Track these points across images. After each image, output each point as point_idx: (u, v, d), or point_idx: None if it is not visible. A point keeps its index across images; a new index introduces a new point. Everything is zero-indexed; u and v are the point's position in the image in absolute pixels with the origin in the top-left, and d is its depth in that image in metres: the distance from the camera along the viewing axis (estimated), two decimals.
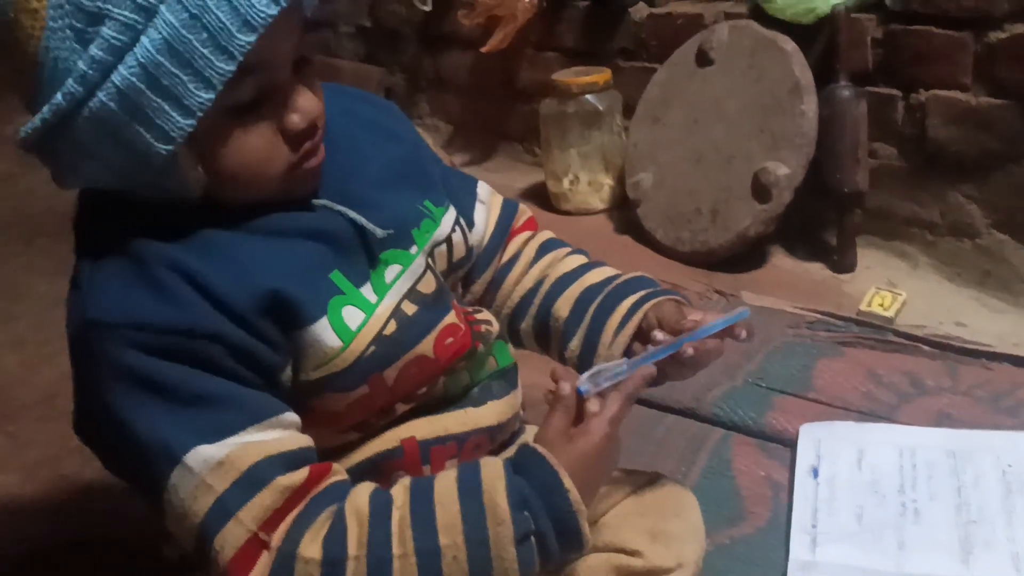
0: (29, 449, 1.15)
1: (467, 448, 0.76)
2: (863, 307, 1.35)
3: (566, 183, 1.80)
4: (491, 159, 2.11)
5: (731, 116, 1.55)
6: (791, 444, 1.06)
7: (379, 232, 0.70)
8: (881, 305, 1.34)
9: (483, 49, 1.88)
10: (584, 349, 0.81)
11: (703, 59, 1.61)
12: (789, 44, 1.50)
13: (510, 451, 0.76)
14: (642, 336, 0.79)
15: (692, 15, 1.69)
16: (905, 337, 1.27)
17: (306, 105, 0.66)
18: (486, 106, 2.12)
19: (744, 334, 0.75)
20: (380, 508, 0.64)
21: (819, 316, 1.34)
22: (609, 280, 0.84)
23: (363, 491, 0.66)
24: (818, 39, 1.49)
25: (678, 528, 0.80)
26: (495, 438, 0.79)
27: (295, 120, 0.65)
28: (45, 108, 0.59)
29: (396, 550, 0.63)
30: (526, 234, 0.90)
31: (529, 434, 0.81)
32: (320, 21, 2.35)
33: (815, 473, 1.01)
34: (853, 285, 1.46)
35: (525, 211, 0.92)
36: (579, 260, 0.87)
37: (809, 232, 1.58)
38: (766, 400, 1.15)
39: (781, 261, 1.56)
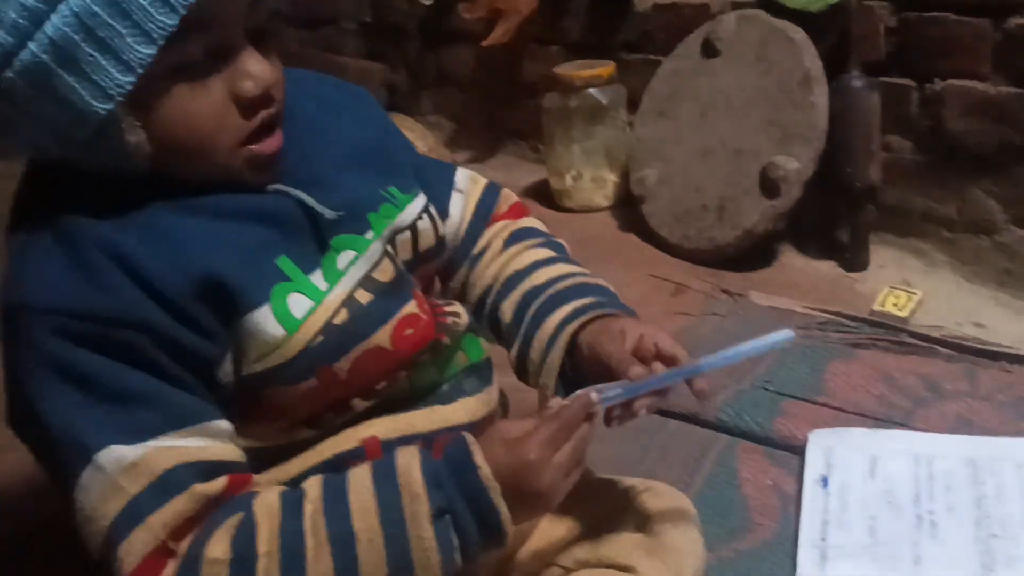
0: (6, 454, 1.11)
1: (436, 448, 0.71)
2: (876, 307, 1.30)
3: (569, 180, 1.76)
4: (494, 156, 2.09)
5: (739, 109, 1.51)
6: (800, 452, 1.02)
7: (329, 214, 0.66)
8: (895, 305, 1.30)
9: (484, 43, 1.85)
10: (518, 361, 0.78)
11: (710, 50, 1.57)
12: (799, 34, 1.46)
13: None
14: (577, 356, 0.74)
15: (698, 5, 1.64)
16: (921, 338, 1.22)
17: (259, 70, 0.62)
18: (489, 102, 2.09)
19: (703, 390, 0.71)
20: (291, 503, 0.61)
21: (830, 316, 1.29)
22: (551, 282, 0.79)
23: (274, 490, 0.63)
24: (829, 28, 1.45)
25: (675, 541, 0.76)
26: None
27: (248, 86, 0.62)
28: None
29: (309, 541, 0.59)
30: (503, 223, 0.85)
31: None
32: (324, 18, 2.34)
33: (825, 483, 0.96)
34: (866, 284, 1.42)
35: (509, 196, 0.87)
36: (536, 255, 0.82)
37: (820, 229, 1.53)
38: (774, 405, 1.10)
39: (791, 259, 1.52)
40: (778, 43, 1.47)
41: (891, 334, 1.24)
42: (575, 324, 0.74)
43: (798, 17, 1.46)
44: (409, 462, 0.62)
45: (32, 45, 0.55)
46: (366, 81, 2.18)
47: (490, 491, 0.61)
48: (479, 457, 0.62)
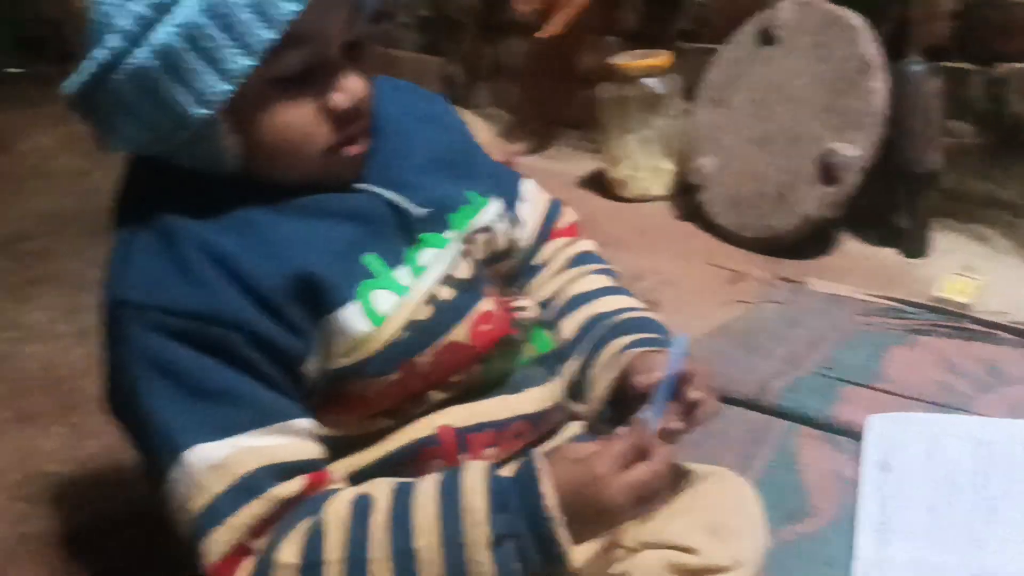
0: (89, 440, 1.16)
1: (507, 435, 0.74)
2: (938, 293, 1.29)
3: (625, 169, 1.76)
4: (550, 147, 2.10)
5: (797, 96, 1.51)
6: (859, 437, 1.02)
7: (417, 211, 0.69)
8: (957, 291, 1.29)
9: (539, 34, 1.86)
10: (573, 379, 0.80)
11: (767, 38, 1.57)
12: (857, 19, 1.45)
13: (551, 444, 0.73)
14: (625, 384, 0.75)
15: None
16: (984, 324, 1.21)
17: (352, 86, 0.65)
18: (545, 93, 2.10)
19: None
20: (360, 511, 0.63)
21: (890, 303, 1.29)
22: (619, 311, 0.81)
23: (345, 495, 0.64)
24: (888, 14, 1.44)
25: (737, 524, 0.76)
26: (537, 426, 0.77)
27: (339, 99, 0.65)
28: (87, 62, 0.60)
29: (373, 553, 0.61)
30: (563, 240, 0.88)
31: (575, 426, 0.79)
32: (382, 11, 2.36)
33: (884, 466, 0.97)
34: (926, 270, 1.41)
35: (569, 214, 0.90)
36: (601, 281, 0.84)
37: (879, 215, 1.52)
38: (833, 391, 1.11)
39: (850, 246, 1.51)
40: (836, 29, 1.46)
41: (953, 320, 1.23)
42: (640, 349, 0.76)
43: (857, 3, 1.46)
44: (475, 484, 0.62)
45: (140, 51, 0.59)
46: (423, 75, 2.21)
47: (553, 522, 0.61)
48: (545, 485, 0.61)
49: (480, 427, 0.72)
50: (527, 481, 0.62)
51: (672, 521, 0.76)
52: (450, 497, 0.62)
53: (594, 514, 0.62)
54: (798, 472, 1.00)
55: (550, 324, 0.82)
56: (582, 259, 0.87)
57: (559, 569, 0.63)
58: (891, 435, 1.00)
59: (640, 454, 0.63)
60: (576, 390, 0.80)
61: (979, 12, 1.38)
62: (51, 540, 1.02)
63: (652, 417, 0.67)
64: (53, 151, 2.30)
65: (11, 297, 1.62)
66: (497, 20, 2.13)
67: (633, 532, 0.78)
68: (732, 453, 1.03)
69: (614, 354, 0.77)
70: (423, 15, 2.32)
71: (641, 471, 0.63)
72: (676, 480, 0.72)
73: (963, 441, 0.98)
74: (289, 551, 0.61)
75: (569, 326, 0.81)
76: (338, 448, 0.69)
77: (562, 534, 0.61)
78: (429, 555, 0.61)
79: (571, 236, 0.89)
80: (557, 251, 0.87)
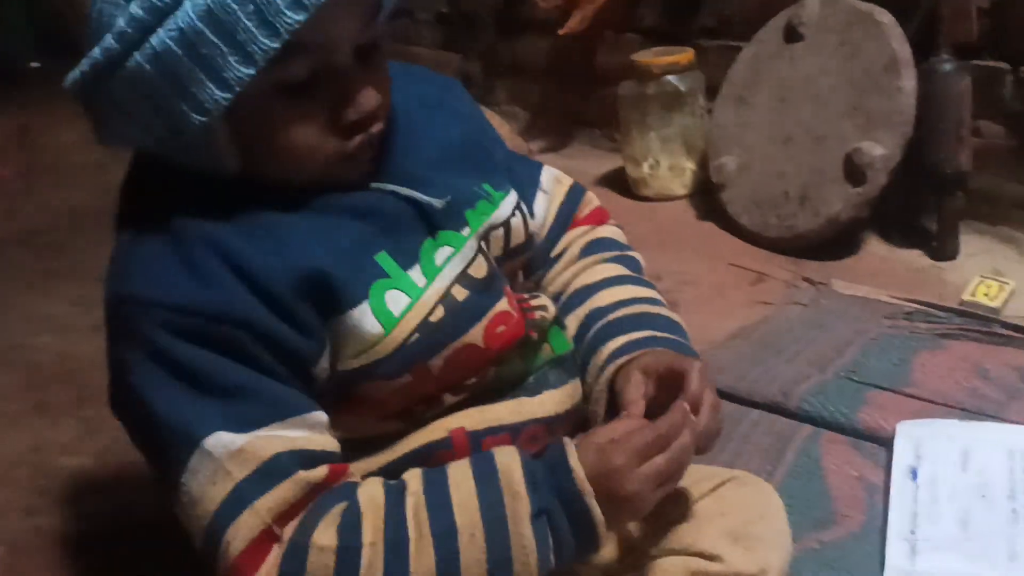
0: (101, 434, 1.16)
1: (522, 439, 0.72)
2: (967, 297, 1.27)
3: (646, 168, 1.74)
4: (569, 145, 2.09)
5: (822, 94, 1.48)
6: (886, 443, 1.00)
7: (436, 203, 0.67)
8: (987, 295, 1.27)
9: (561, 31, 1.85)
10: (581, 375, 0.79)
11: (792, 35, 1.54)
12: (886, 16, 1.42)
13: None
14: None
15: None
16: (1014, 329, 1.18)
17: (364, 98, 0.63)
18: (564, 91, 2.09)
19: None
20: (394, 495, 0.62)
21: (918, 307, 1.26)
22: (614, 306, 0.79)
23: (376, 482, 0.64)
24: (917, 10, 1.41)
25: (762, 531, 0.75)
26: (553, 429, 0.75)
27: (349, 114, 0.63)
28: (84, 60, 0.59)
29: (412, 533, 0.60)
30: (583, 228, 0.85)
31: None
32: (400, 7, 2.35)
33: (914, 475, 0.94)
34: (955, 273, 1.38)
35: (591, 200, 0.88)
36: (606, 271, 0.82)
37: (906, 217, 1.49)
38: (859, 395, 1.08)
39: (876, 248, 1.49)
40: (864, 26, 1.43)
41: (982, 324, 1.20)
42: (623, 359, 0.75)
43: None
44: (509, 463, 0.63)
45: (137, 54, 0.57)
46: (440, 71, 2.20)
47: (584, 495, 0.61)
48: (574, 460, 0.62)
49: (494, 431, 0.71)
50: (557, 459, 0.63)
51: (696, 527, 0.75)
52: (487, 475, 0.62)
53: (613, 503, 0.63)
54: (823, 478, 0.98)
55: (563, 322, 0.80)
56: (594, 247, 0.84)
57: (590, 547, 0.63)
58: (922, 442, 0.98)
59: (660, 445, 0.64)
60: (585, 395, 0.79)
61: (1011, 10, 1.35)
62: (64, 532, 1.01)
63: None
64: (72, 146, 2.31)
65: (28, 289, 1.63)
66: (516, 17, 2.12)
67: (656, 539, 0.76)
68: (755, 458, 1.01)
69: (600, 366, 0.76)
70: (441, 11, 2.31)
71: (660, 462, 0.63)
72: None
73: (996, 449, 0.95)
74: (326, 534, 0.60)
75: (572, 324, 0.80)
76: (351, 451, 0.68)
77: (595, 507, 0.62)
78: (471, 531, 0.60)
79: (593, 223, 0.86)
80: (573, 241, 0.84)
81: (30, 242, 1.84)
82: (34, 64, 2.80)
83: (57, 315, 1.51)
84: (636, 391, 0.70)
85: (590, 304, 0.80)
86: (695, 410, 0.68)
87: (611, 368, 0.75)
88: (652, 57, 1.71)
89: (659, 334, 0.77)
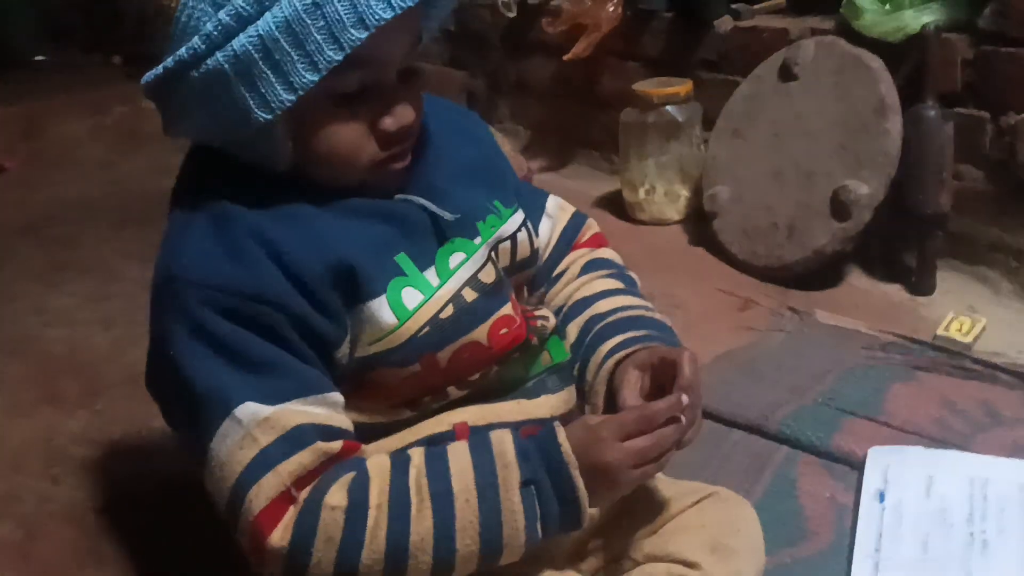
0: (114, 426, 1.20)
1: (523, 434, 0.78)
2: (940, 332, 1.32)
3: (642, 193, 1.80)
4: (568, 165, 2.13)
5: (813, 132, 1.54)
6: (858, 467, 1.05)
7: (448, 216, 0.75)
8: (959, 330, 1.31)
9: (566, 57, 1.90)
10: (578, 378, 0.85)
11: (787, 74, 1.60)
12: (876, 62, 1.48)
13: None
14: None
15: (777, 29, 1.68)
16: (983, 364, 1.24)
17: (402, 112, 0.71)
18: (566, 113, 2.13)
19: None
20: (400, 464, 0.69)
21: (894, 339, 1.32)
22: (612, 312, 0.86)
23: (383, 455, 0.71)
24: (906, 58, 1.47)
25: (738, 543, 0.80)
26: None
27: (388, 124, 0.71)
28: (169, 58, 0.66)
29: (414, 498, 0.67)
30: (583, 250, 0.92)
31: None
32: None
33: (881, 497, 0.99)
34: (931, 309, 1.43)
35: (592, 226, 0.95)
36: (605, 284, 0.89)
37: (888, 253, 1.55)
38: (835, 421, 1.13)
39: (858, 280, 1.54)
40: (855, 70, 1.49)
41: (953, 359, 1.26)
42: (621, 353, 0.81)
43: (876, 46, 1.49)
44: (502, 437, 0.70)
45: (219, 55, 0.64)
46: (446, 87, 2.25)
47: (569, 466, 0.68)
48: (562, 435, 0.69)
49: (494, 427, 0.76)
50: (546, 435, 0.69)
51: (676, 536, 0.80)
52: (482, 448, 0.69)
53: (597, 473, 0.69)
54: (797, 498, 1.03)
55: (563, 333, 0.87)
56: (593, 265, 0.91)
57: (573, 519, 0.70)
58: (890, 468, 1.03)
59: (643, 427, 0.70)
60: (581, 390, 0.85)
61: (994, 63, 1.40)
62: (75, 518, 1.05)
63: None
64: (81, 140, 2.34)
65: (37, 281, 1.65)
66: (523, 39, 2.16)
67: (640, 546, 0.82)
68: (735, 476, 1.06)
69: (599, 362, 0.82)
70: (449, 29, 2.35)
71: (641, 441, 0.70)
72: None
73: (959, 478, 1.00)
74: (337, 496, 0.66)
75: (572, 331, 0.86)
76: (364, 436, 0.74)
77: (578, 479, 0.68)
78: (466, 496, 0.67)
79: (593, 247, 0.93)
80: (574, 261, 0.92)
81: (38, 234, 1.85)
82: (39, 57, 2.83)
83: (66, 308, 1.54)
84: (632, 389, 0.78)
85: (590, 312, 0.87)
86: (689, 394, 0.74)
87: (610, 363, 0.82)
88: (652, 87, 1.76)
89: (654, 333, 0.84)
